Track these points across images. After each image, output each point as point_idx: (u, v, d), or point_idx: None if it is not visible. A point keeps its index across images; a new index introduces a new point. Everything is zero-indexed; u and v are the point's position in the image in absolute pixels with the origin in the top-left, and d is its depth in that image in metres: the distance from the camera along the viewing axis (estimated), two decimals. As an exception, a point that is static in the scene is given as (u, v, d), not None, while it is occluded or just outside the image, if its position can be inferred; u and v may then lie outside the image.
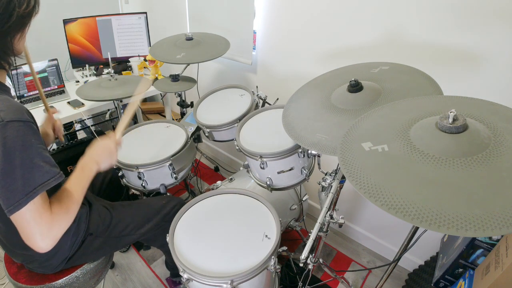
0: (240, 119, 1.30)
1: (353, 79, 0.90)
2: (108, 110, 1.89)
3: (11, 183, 0.67)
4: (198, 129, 1.49)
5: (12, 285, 1.00)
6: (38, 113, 1.62)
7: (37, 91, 1.79)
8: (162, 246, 1.27)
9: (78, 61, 2.06)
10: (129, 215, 1.09)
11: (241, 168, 1.33)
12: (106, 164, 0.92)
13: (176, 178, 1.33)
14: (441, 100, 0.75)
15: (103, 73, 2.05)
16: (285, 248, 1.04)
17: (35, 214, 0.69)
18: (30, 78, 1.76)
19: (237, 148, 1.18)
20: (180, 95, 1.73)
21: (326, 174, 0.99)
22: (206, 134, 1.40)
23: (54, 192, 0.77)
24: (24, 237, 0.71)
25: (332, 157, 1.62)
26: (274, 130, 1.20)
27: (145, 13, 2.05)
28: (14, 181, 0.67)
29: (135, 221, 1.09)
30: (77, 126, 2.34)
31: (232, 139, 1.29)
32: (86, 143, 1.90)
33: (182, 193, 2.11)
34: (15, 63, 0.79)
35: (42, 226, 0.71)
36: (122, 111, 1.73)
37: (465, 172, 0.55)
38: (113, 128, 2.61)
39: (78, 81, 2.01)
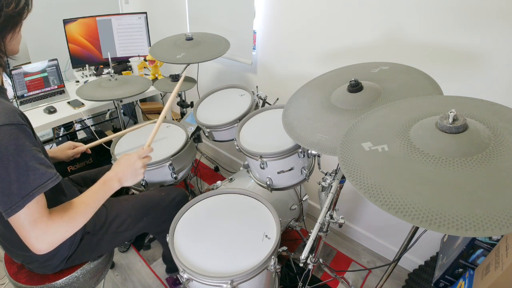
0: (240, 119, 1.30)
1: (353, 79, 0.89)
2: (108, 110, 1.89)
3: (7, 187, 0.66)
4: (198, 129, 1.49)
5: (12, 285, 1.00)
6: (38, 113, 1.62)
7: (37, 91, 1.79)
8: (159, 234, 1.24)
9: (78, 61, 2.06)
10: (126, 210, 1.08)
11: (241, 168, 1.33)
12: (130, 182, 0.90)
13: (176, 178, 1.33)
14: (441, 100, 0.75)
15: (103, 73, 2.05)
16: (285, 248, 1.04)
17: (29, 218, 0.69)
18: (30, 78, 1.76)
19: (237, 148, 1.17)
20: (180, 95, 1.73)
21: (326, 174, 0.99)
22: (206, 134, 1.40)
23: (54, 195, 0.77)
24: (22, 238, 0.71)
25: (332, 157, 1.62)
26: (274, 130, 1.20)
27: (145, 13, 2.05)
28: (9, 185, 0.66)
29: (132, 216, 1.08)
30: (77, 126, 2.34)
31: (232, 139, 1.29)
32: (86, 143, 1.89)
33: (182, 193, 2.11)
34: (8, 65, 0.78)
35: (36, 230, 0.70)
36: (122, 111, 1.73)
37: (465, 172, 0.55)
38: (113, 128, 2.61)
39: (78, 81, 2.01)
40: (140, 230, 1.11)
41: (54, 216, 0.74)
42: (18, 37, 0.76)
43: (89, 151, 1.25)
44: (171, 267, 1.49)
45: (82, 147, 1.21)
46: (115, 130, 2.59)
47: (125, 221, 1.07)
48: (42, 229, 0.71)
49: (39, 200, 0.71)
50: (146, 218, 1.10)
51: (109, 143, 1.35)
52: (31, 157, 0.70)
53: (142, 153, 0.95)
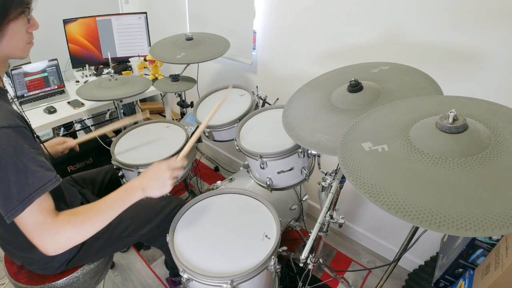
0: (240, 119, 1.30)
1: (353, 79, 0.90)
2: (108, 110, 1.89)
3: (6, 191, 0.66)
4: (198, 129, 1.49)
5: (12, 285, 1.00)
6: (38, 113, 1.62)
7: (37, 91, 1.79)
8: (162, 246, 1.27)
9: (78, 61, 2.06)
10: (130, 216, 1.09)
11: (241, 168, 1.33)
12: (155, 194, 0.84)
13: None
14: (441, 100, 0.75)
15: (103, 73, 2.05)
16: (285, 248, 1.04)
17: (33, 220, 0.69)
18: (30, 78, 1.76)
19: (237, 148, 1.18)
20: (180, 95, 1.73)
21: (326, 174, 0.99)
22: (206, 134, 1.40)
23: (53, 196, 0.76)
24: (29, 239, 0.70)
25: (332, 157, 1.62)
26: (274, 130, 1.20)
27: (145, 13, 2.05)
28: (8, 188, 0.66)
29: (135, 222, 1.09)
30: (77, 126, 2.35)
31: (232, 139, 1.29)
32: (86, 143, 1.89)
33: (182, 193, 2.11)
34: (8, 64, 0.76)
35: (41, 233, 0.70)
36: (122, 111, 1.73)
37: (465, 172, 0.55)
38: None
39: (78, 81, 2.01)
40: (141, 237, 1.11)
41: (61, 220, 0.72)
42: (8, 42, 0.70)
43: (77, 149, 1.22)
44: (175, 272, 1.48)
45: (72, 143, 1.18)
46: (115, 130, 2.59)
47: (129, 227, 1.07)
48: (47, 232, 0.70)
49: (43, 203, 0.70)
50: (148, 226, 1.10)
51: (109, 143, 1.35)
52: (30, 159, 0.68)
53: (174, 164, 0.88)
